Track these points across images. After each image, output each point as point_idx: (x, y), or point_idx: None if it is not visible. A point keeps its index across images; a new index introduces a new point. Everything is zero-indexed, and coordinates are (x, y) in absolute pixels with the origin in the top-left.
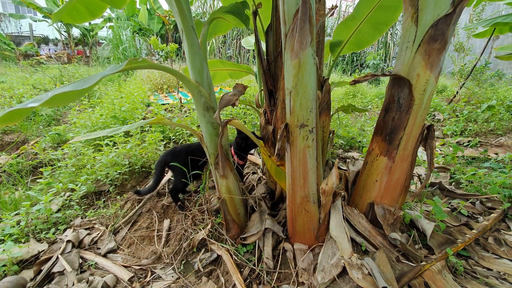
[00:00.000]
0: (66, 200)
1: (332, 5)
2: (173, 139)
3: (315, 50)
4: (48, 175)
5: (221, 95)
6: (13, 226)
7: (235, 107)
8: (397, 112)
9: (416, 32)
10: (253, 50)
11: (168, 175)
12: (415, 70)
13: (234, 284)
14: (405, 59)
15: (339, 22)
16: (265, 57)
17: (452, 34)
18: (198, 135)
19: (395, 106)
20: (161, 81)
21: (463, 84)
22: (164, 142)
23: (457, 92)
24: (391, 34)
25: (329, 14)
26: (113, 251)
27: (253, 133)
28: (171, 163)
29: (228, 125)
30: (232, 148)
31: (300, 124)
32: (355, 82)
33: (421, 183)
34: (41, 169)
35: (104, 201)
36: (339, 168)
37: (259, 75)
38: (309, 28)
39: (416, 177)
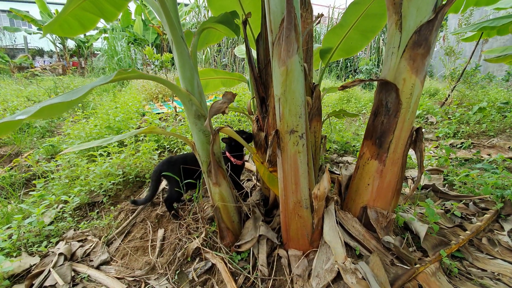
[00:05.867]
0: (59, 212)
1: (318, 13)
2: (167, 148)
3: (302, 57)
4: (41, 187)
5: (211, 104)
6: (5, 240)
7: (227, 114)
8: (386, 116)
9: (401, 38)
10: None
11: (163, 184)
12: (401, 75)
13: None
14: (391, 64)
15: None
16: (256, 65)
17: (436, 39)
18: (190, 143)
19: (384, 110)
20: (156, 90)
21: (454, 87)
22: (159, 151)
23: (449, 95)
24: (383, 40)
25: (316, 22)
26: (106, 262)
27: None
28: (166, 173)
29: (220, 132)
30: (227, 152)
31: (290, 130)
32: (343, 87)
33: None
34: (34, 182)
35: (97, 212)
36: (333, 172)
37: (251, 83)
38: (295, 36)
39: (409, 179)
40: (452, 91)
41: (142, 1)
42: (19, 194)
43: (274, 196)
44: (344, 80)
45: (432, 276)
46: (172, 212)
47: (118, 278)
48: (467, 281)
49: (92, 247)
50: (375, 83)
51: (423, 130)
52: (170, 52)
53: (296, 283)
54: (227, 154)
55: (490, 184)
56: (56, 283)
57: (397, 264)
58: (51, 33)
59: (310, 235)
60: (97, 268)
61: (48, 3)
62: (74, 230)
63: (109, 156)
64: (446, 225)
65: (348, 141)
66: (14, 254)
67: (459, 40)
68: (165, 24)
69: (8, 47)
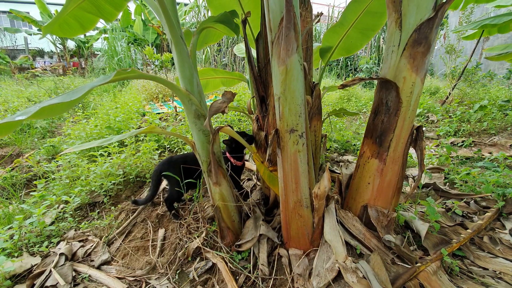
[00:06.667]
0: (60, 212)
1: (318, 12)
2: (168, 147)
3: (301, 56)
4: (42, 187)
5: (211, 103)
6: (6, 240)
7: (226, 114)
8: (386, 114)
9: (401, 37)
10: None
11: (163, 184)
12: (401, 73)
13: None
14: (391, 63)
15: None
16: (256, 64)
17: (436, 37)
18: (190, 143)
19: (384, 109)
20: (156, 90)
21: (455, 85)
22: (159, 151)
23: (450, 93)
24: (383, 38)
25: (316, 21)
26: (107, 262)
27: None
28: (166, 173)
29: (220, 132)
30: (227, 152)
31: (289, 129)
32: (343, 86)
33: None
34: (35, 182)
35: (98, 212)
36: (333, 171)
37: (251, 82)
38: (294, 35)
39: (410, 178)
40: (453, 89)
41: (141, 1)
42: (20, 194)
43: (275, 196)
44: (345, 79)
45: (433, 274)
46: (173, 212)
47: (119, 278)
48: (469, 280)
49: (93, 247)
50: (376, 81)
51: (424, 128)
52: (170, 52)
53: (296, 282)
54: (227, 154)
55: (491, 183)
56: (57, 283)
57: (398, 263)
58: (50, 34)
59: (310, 234)
60: (98, 268)
61: (48, 3)
62: (75, 230)
63: (109, 156)
64: (447, 223)
65: (348, 140)
66: (16, 254)
67: (460, 38)
68: (164, 24)
69: (8, 48)
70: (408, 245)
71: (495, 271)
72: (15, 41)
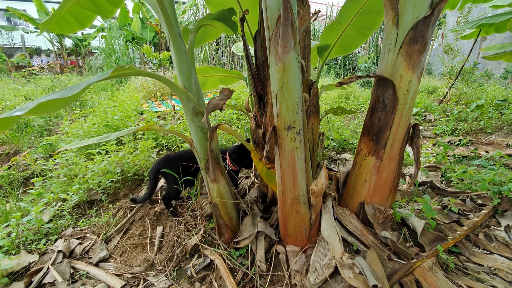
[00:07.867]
0: (57, 210)
1: (315, 10)
2: (166, 146)
3: (299, 53)
4: (39, 185)
5: (209, 100)
6: (4, 238)
7: (225, 112)
8: (383, 112)
9: (397, 35)
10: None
11: (161, 182)
12: (398, 71)
13: None
14: (388, 61)
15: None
16: (254, 62)
17: (432, 35)
18: (188, 140)
19: (381, 107)
20: (154, 88)
21: (453, 84)
22: (157, 149)
23: (447, 93)
24: (381, 38)
25: (313, 19)
26: (105, 260)
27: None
28: (164, 170)
29: (219, 129)
30: (227, 154)
31: (287, 126)
32: (340, 84)
33: None
34: (32, 180)
35: (96, 210)
36: (331, 169)
37: (249, 80)
38: (292, 33)
39: (407, 176)
40: (450, 88)
41: None
42: (17, 192)
43: (272, 193)
44: (343, 78)
45: (428, 270)
46: (171, 209)
47: (117, 275)
48: (464, 276)
49: (90, 244)
50: (373, 80)
51: (421, 127)
52: (168, 50)
53: (294, 278)
54: (227, 156)
55: (487, 181)
56: (55, 280)
57: (394, 259)
58: (48, 31)
59: (308, 231)
60: (96, 265)
61: (45, 1)
62: (73, 227)
63: (107, 154)
64: (443, 220)
65: (346, 138)
66: (13, 252)
67: (458, 37)
68: (162, 21)
69: (5, 46)
70: (404, 242)
71: (490, 267)
72: (12, 39)
